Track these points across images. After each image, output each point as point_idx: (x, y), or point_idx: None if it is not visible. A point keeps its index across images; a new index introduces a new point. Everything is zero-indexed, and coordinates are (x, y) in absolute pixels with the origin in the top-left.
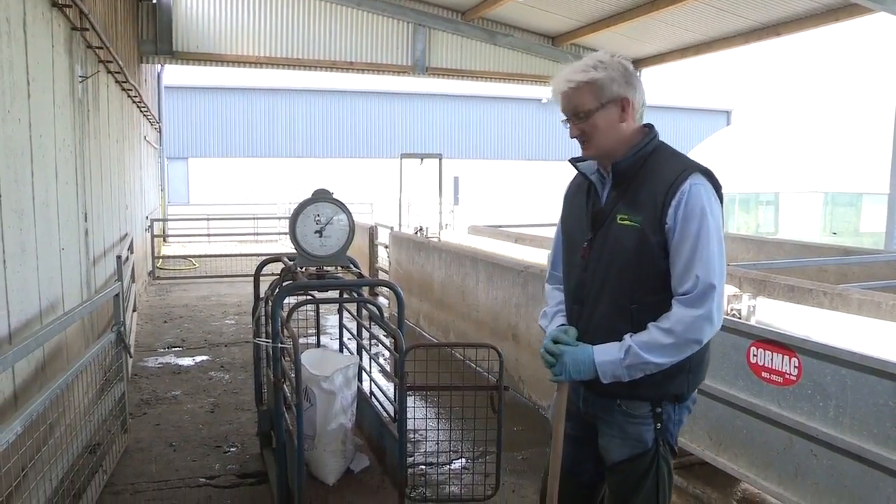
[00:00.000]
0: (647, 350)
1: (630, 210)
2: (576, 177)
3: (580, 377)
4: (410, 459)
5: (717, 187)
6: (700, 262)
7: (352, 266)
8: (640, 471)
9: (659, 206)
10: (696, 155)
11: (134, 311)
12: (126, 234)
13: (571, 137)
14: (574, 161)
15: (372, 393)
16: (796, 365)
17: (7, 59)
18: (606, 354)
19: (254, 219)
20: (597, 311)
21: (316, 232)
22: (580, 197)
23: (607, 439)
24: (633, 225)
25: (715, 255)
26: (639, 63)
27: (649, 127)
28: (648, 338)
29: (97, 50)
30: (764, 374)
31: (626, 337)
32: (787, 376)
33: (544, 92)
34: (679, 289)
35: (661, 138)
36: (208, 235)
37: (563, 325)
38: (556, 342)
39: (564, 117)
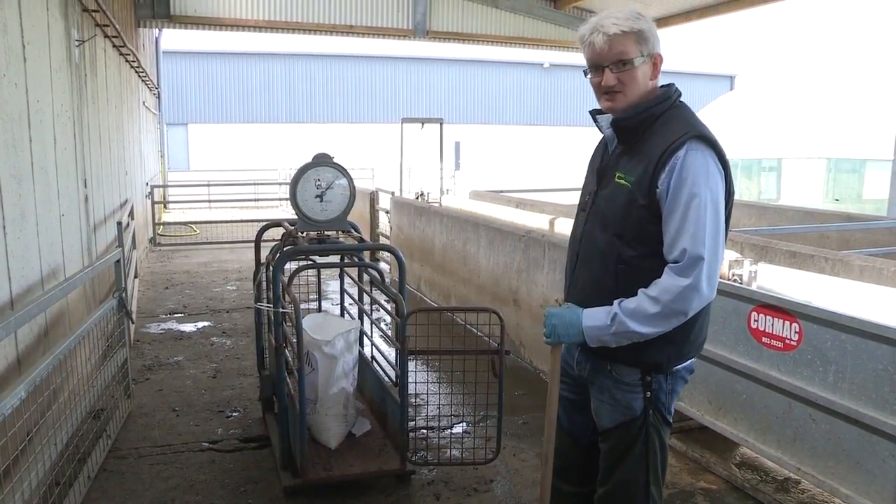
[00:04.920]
0: (632, 318)
1: (627, 170)
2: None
3: (569, 340)
4: (412, 423)
5: (719, 154)
6: (688, 234)
7: (353, 230)
8: (630, 438)
9: (651, 169)
10: None
11: (135, 277)
12: (126, 201)
13: (602, 87)
14: (594, 113)
15: (373, 357)
16: (797, 330)
17: (0, 21)
18: (594, 320)
19: (254, 184)
20: (588, 267)
21: (317, 196)
22: (598, 153)
23: (598, 404)
24: (625, 185)
25: (706, 226)
26: None
27: (666, 87)
28: (636, 305)
29: (93, 13)
30: (764, 340)
31: (616, 303)
32: (787, 341)
33: (546, 56)
34: (669, 256)
35: None
36: (209, 201)
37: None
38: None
39: (594, 66)
